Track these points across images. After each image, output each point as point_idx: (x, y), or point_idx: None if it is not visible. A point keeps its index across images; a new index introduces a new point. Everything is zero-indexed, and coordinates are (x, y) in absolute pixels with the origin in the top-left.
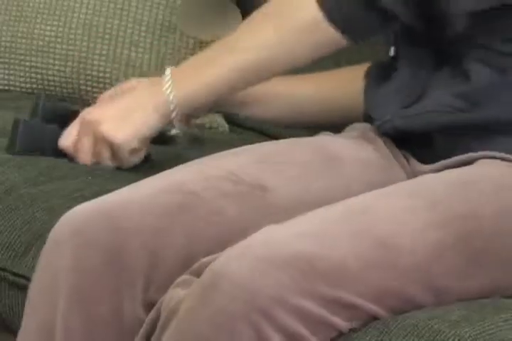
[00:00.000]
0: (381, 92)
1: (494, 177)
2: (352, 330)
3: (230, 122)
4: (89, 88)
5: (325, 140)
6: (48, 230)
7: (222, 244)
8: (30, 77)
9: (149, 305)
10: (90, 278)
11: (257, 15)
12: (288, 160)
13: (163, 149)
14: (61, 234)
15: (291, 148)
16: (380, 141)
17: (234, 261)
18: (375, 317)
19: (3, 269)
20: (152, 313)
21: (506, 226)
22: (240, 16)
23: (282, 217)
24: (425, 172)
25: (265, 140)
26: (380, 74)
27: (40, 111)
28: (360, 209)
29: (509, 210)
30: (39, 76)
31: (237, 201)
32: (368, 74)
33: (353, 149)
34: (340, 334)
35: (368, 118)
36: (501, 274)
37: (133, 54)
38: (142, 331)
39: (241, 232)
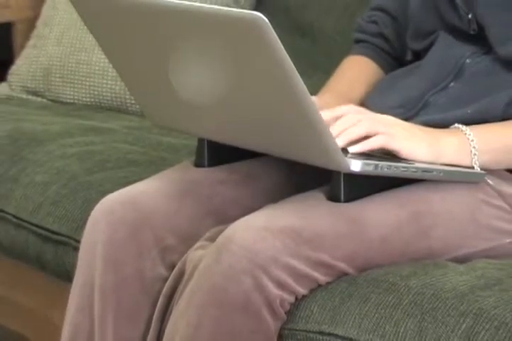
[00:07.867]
0: None
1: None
2: (327, 283)
3: None
4: (133, 101)
5: None
6: None
7: (219, 219)
8: (90, 93)
9: (170, 265)
10: (119, 247)
11: None
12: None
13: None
14: (98, 214)
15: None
16: None
17: (241, 229)
18: (345, 274)
19: (69, 237)
20: (175, 270)
21: (448, 209)
22: None
23: (271, 197)
24: None
25: None
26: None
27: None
28: None
29: (452, 197)
30: (96, 92)
31: (231, 186)
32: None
33: None
34: (319, 285)
35: None
36: (443, 244)
37: None
38: (168, 283)
39: (235, 209)
